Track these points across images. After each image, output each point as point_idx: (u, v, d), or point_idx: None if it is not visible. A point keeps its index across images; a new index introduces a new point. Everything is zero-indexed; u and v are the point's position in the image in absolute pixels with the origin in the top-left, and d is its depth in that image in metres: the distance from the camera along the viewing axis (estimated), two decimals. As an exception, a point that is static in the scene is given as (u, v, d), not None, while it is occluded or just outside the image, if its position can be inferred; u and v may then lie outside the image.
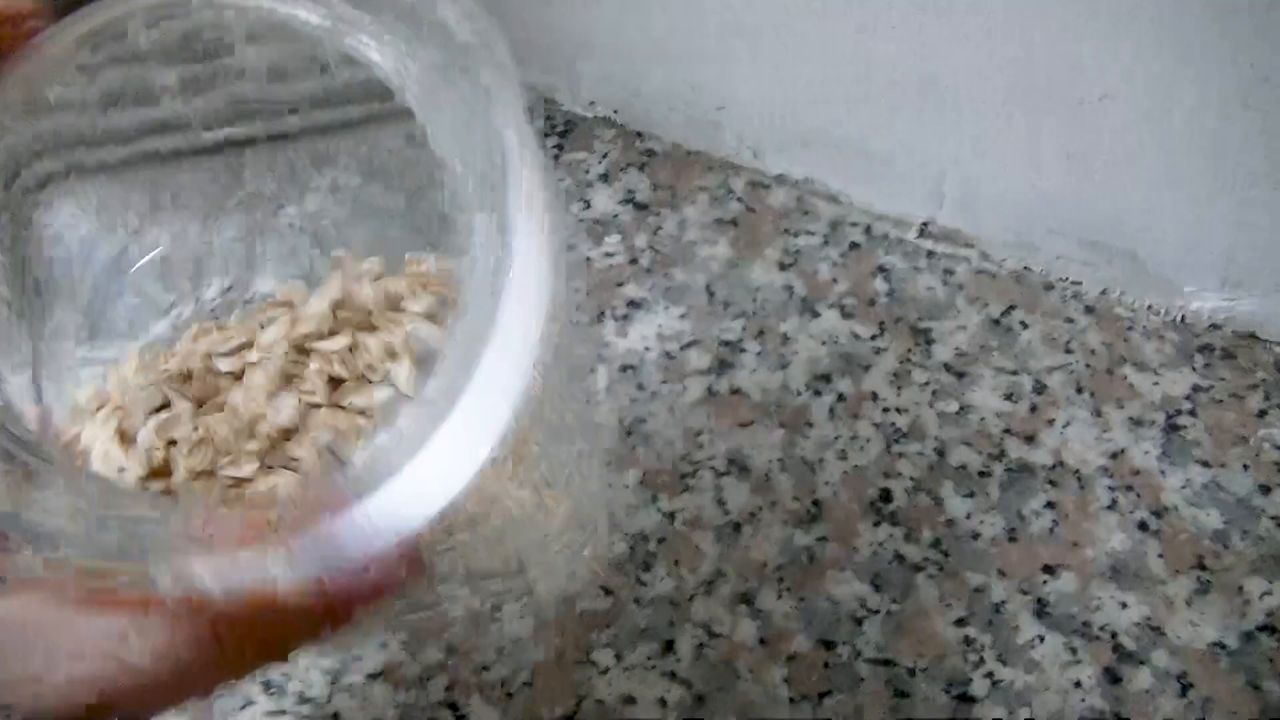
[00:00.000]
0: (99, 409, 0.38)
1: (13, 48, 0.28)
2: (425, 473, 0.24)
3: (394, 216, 0.42)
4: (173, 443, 0.37)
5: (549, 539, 0.36)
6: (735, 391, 0.55)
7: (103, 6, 0.28)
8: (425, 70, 0.26)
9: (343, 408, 0.38)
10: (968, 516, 0.51)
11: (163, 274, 0.41)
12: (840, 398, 0.55)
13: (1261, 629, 0.47)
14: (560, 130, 0.67)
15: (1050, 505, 0.51)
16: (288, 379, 0.38)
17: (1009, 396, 0.55)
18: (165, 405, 0.38)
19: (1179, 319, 0.57)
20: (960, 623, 0.48)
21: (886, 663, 0.47)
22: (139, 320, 0.42)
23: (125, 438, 0.37)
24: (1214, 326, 0.57)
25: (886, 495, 0.52)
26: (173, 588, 0.23)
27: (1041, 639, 0.47)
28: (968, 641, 0.47)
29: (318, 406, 0.38)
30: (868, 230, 0.61)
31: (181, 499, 0.34)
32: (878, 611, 0.48)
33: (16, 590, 0.23)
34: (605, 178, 0.64)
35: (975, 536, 0.50)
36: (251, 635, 0.24)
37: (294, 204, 0.42)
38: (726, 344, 0.57)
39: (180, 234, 0.42)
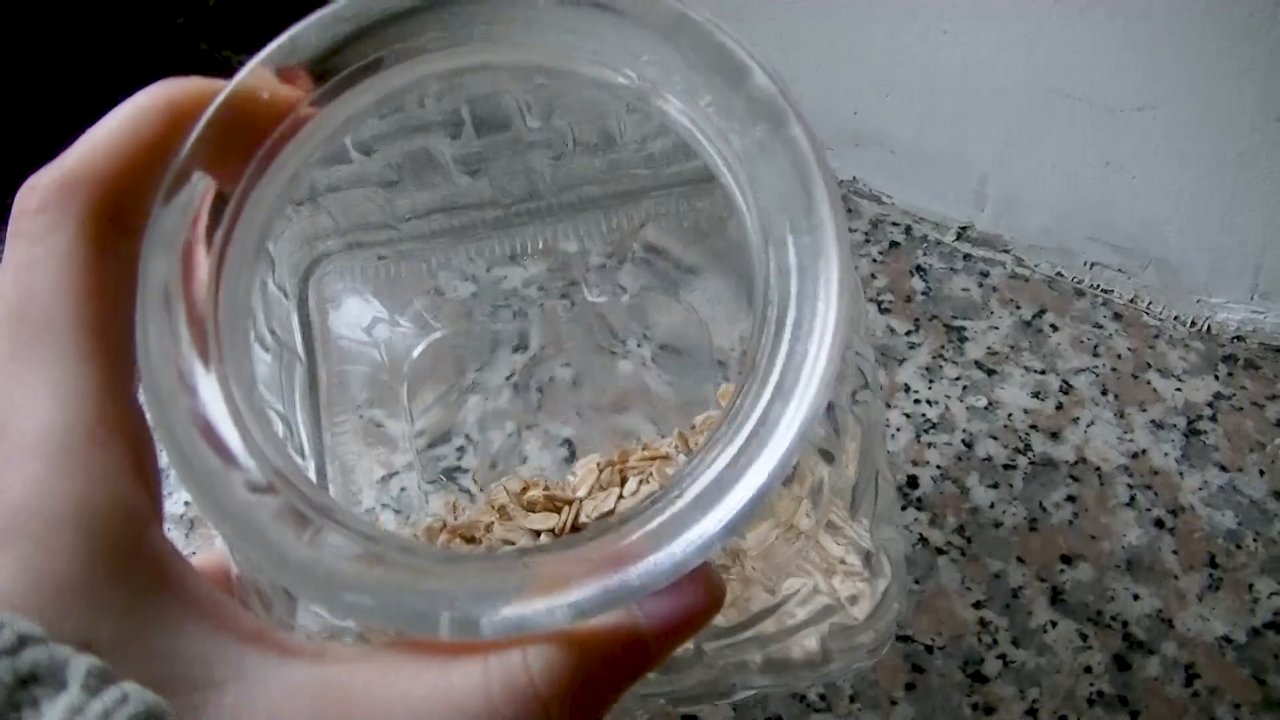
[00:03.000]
0: None
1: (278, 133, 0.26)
2: (716, 501, 0.24)
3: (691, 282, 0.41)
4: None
5: (856, 629, 0.35)
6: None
7: (391, 75, 0.26)
8: (747, 146, 0.25)
9: None
10: (991, 506, 0.53)
11: (438, 363, 0.41)
12: (873, 387, 0.57)
13: (1269, 626, 0.49)
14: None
15: (1071, 499, 0.53)
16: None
17: (1036, 395, 0.57)
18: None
19: (1205, 329, 0.59)
20: (978, 605, 0.50)
21: (906, 639, 0.49)
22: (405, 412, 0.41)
23: None
24: (1239, 338, 0.58)
25: (914, 482, 0.54)
26: (459, 633, 0.22)
27: (1055, 624, 0.49)
28: (984, 623, 0.49)
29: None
30: (908, 231, 0.64)
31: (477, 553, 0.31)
32: (899, 590, 0.50)
33: (336, 657, 0.24)
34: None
35: (997, 525, 0.52)
36: (573, 682, 0.24)
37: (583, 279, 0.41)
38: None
39: (461, 318, 0.41)
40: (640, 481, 0.36)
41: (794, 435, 0.23)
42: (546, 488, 0.37)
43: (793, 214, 0.24)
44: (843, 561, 0.34)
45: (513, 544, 0.34)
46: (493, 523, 0.35)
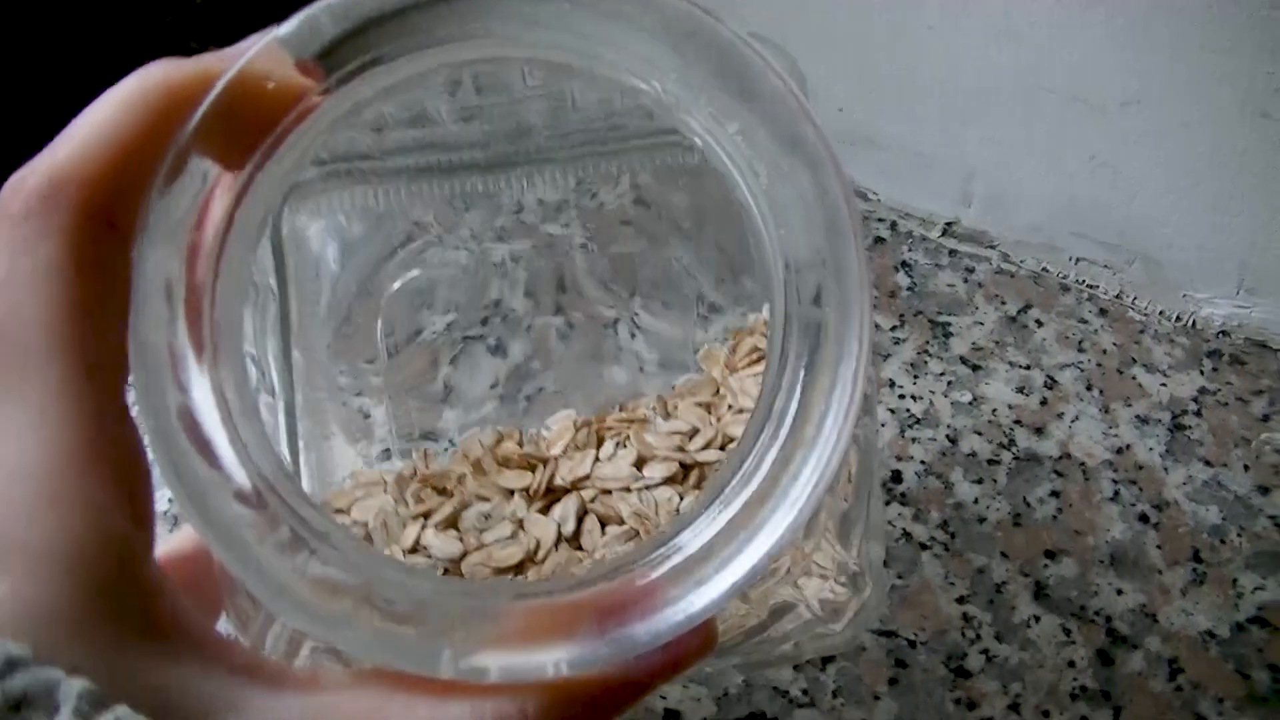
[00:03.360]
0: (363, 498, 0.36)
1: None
2: (727, 556, 0.23)
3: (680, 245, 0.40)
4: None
5: (834, 635, 0.35)
6: (757, 371, 0.57)
7: (402, 65, 0.24)
8: (774, 184, 0.24)
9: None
10: (975, 501, 0.53)
11: (419, 300, 0.40)
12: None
13: (1252, 621, 0.49)
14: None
15: (1055, 494, 0.53)
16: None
17: (1021, 390, 0.56)
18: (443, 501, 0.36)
19: (1191, 324, 0.59)
20: (961, 600, 0.50)
21: (889, 634, 0.49)
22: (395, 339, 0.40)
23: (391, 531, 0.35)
24: (1224, 333, 0.58)
25: (898, 477, 0.54)
26: (457, 673, 0.22)
27: (1038, 619, 0.49)
28: (967, 618, 0.49)
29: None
30: (894, 227, 0.64)
31: (471, 584, 0.31)
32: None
33: (345, 685, 0.24)
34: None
35: (981, 520, 0.52)
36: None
37: (569, 226, 0.40)
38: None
39: (445, 256, 0.40)
40: (617, 445, 0.35)
41: (815, 490, 0.23)
42: (520, 441, 0.36)
43: (818, 259, 0.24)
44: (828, 579, 0.34)
45: (487, 500, 0.34)
46: (465, 475, 0.35)
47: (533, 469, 0.35)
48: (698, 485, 0.35)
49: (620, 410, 0.36)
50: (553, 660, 0.22)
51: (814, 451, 0.23)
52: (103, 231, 0.23)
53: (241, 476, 0.22)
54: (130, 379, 0.23)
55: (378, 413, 0.39)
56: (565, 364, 0.41)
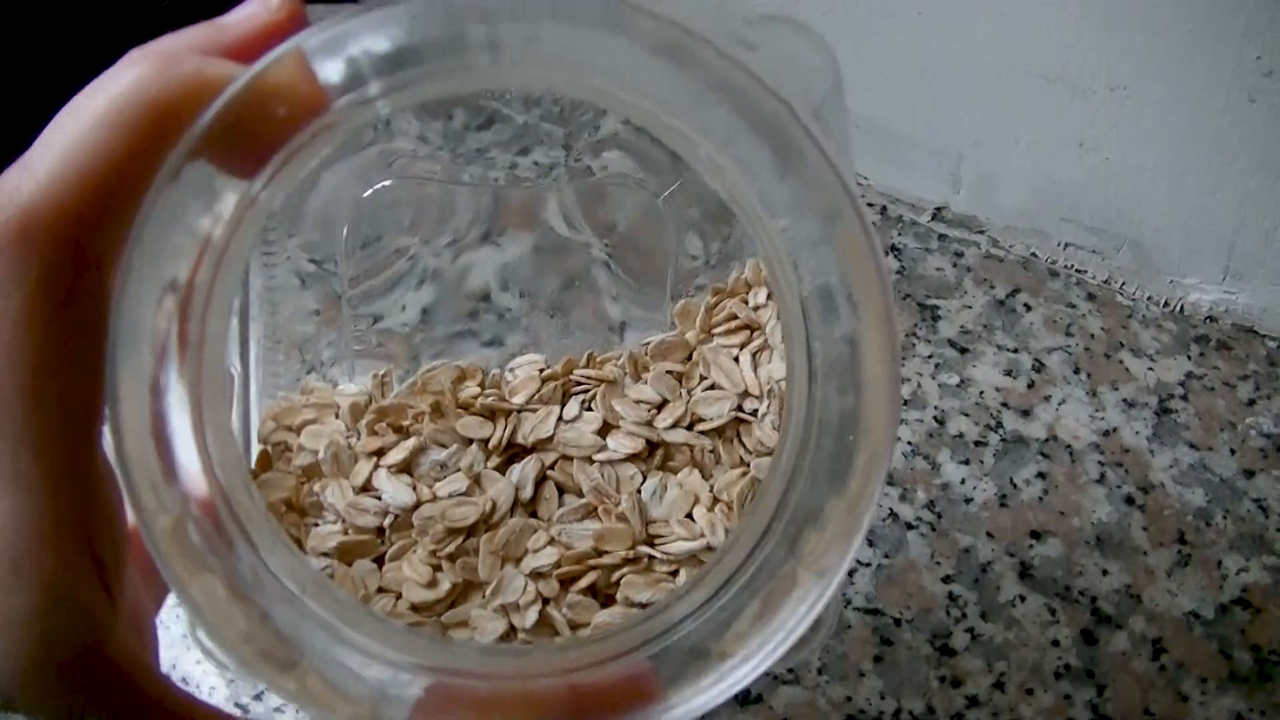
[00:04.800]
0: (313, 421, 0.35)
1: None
2: (734, 664, 0.23)
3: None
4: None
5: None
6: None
7: (433, 86, 0.23)
8: (796, 235, 0.23)
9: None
10: (962, 482, 0.53)
11: (387, 213, 0.38)
12: (846, 364, 0.57)
13: (1236, 602, 0.49)
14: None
15: (1041, 476, 0.53)
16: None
17: (1008, 373, 0.57)
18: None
19: (1178, 309, 0.59)
20: (947, 580, 0.50)
21: (874, 612, 0.49)
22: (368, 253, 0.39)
23: (340, 463, 0.34)
24: (1212, 318, 0.59)
25: (884, 458, 0.54)
26: None
27: (1023, 599, 0.49)
28: (952, 597, 0.49)
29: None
30: (883, 211, 0.64)
31: (441, 646, 0.29)
32: (869, 564, 0.50)
33: None
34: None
35: (967, 500, 0.52)
36: None
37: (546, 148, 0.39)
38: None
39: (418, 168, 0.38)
40: (582, 405, 0.35)
41: (814, 613, 0.23)
42: (483, 384, 0.36)
43: (842, 311, 0.23)
44: None
45: (444, 446, 0.34)
46: (423, 414, 0.34)
47: (493, 419, 0.35)
48: (661, 465, 0.34)
49: (588, 364, 0.36)
50: None
51: (825, 574, 0.23)
52: (77, 266, 0.21)
53: (204, 496, 0.22)
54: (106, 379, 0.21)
55: (329, 314, 0.39)
56: (535, 300, 0.41)
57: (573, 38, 0.23)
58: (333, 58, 0.22)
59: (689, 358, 0.36)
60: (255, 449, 0.35)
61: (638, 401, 0.35)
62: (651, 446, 0.35)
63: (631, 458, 0.34)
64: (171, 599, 0.25)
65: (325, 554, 0.32)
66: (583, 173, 0.40)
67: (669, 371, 0.35)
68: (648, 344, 0.36)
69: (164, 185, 0.21)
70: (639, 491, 0.33)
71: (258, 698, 0.46)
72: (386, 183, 0.37)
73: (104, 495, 0.23)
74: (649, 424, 0.34)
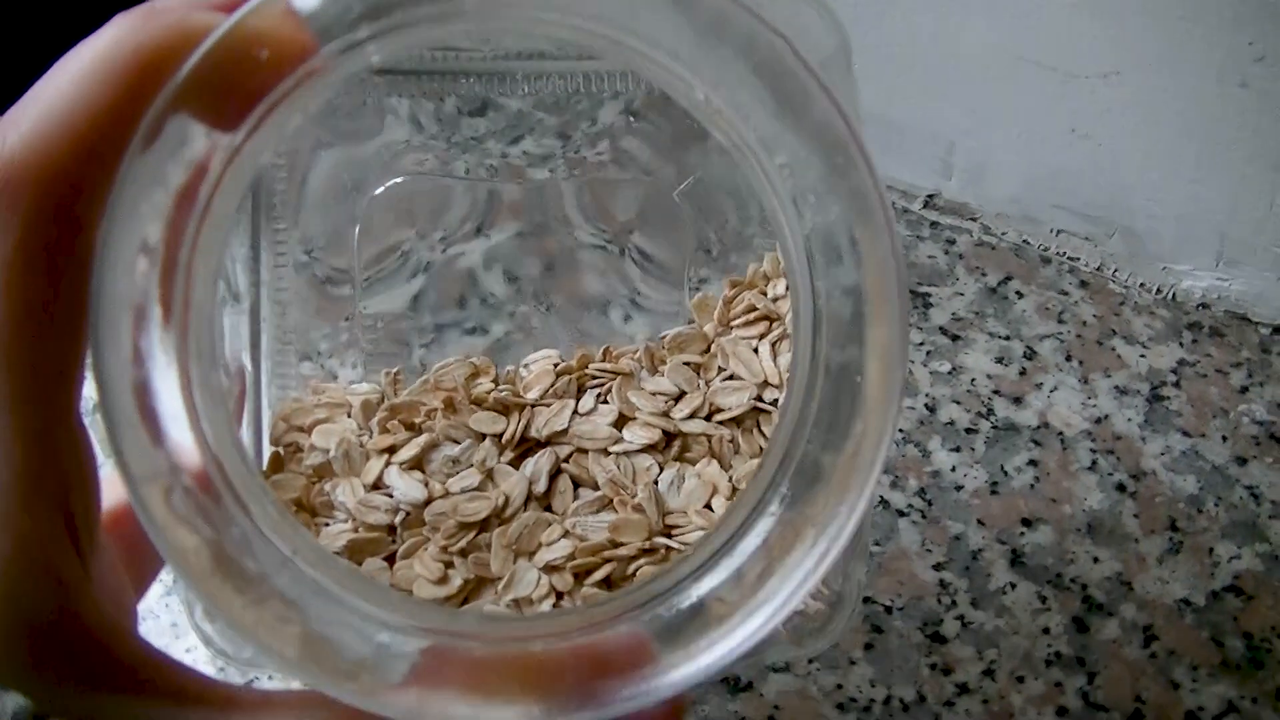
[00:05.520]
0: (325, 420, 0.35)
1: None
2: (735, 625, 0.23)
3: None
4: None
5: (798, 650, 0.35)
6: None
7: (422, 32, 0.22)
8: (817, 228, 0.23)
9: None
10: (953, 469, 0.53)
11: (400, 208, 0.38)
12: (837, 352, 0.56)
13: (1228, 589, 0.49)
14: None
15: (1033, 463, 0.53)
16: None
17: (1000, 360, 0.56)
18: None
19: (1171, 296, 0.59)
20: (938, 567, 0.50)
21: (865, 599, 0.49)
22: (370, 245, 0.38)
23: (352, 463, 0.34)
24: (1204, 305, 0.58)
25: (875, 445, 0.54)
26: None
27: (1014, 586, 0.49)
28: (943, 585, 0.49)
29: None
30: (875, 198, 0.63)
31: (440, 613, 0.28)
32: (859, 552, 0.50)
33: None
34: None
35: (958, 488, 0.52)
36: None
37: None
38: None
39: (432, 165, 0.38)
40: (598, 398, 0.35)
41: (823, 568, 0.22)
42: (496, 379, 0.35)
43: (858, 308, 0.23)
44: (810, 600, 0.34)
45: (456, 442, 0.33)
46: (436, 410, 0.34)
47: (507, 413, 0.34)
48: (679, 456, 0.34)
49: (604, 357, 0.36)
50: (526, 714, 0.21)
51: (828, 529, 0.22)
52: (62, 226, 0.21)
53: (194, 461, 0.21)
54: (89, 343, 0.21)
55: (342, 311, 0.39)
56: (551, 298, 0.40)
57: None
58: (319, 1, 0.21)
59: (706, 350, 0.36)
60: (267, 451, 0.35)
61: (654, 393, 0.34)
62: (669, 438, 0.34)
63: (648, 449, 0.34)
64: (159, 590, 0.24)
65: (336, 553, 0.32)
66: (581, 164, 0.39)
67: (686, 363, 0.35)
68: (664, 337, 0.36)
69: (144, 140, 0.21)
70: (655, 482, 0.33)
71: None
72: (398, 180, 0.37)
73: (79, 459, 0.22)
74: (666, 415, 0.34)
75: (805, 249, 0.23)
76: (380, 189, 0.37)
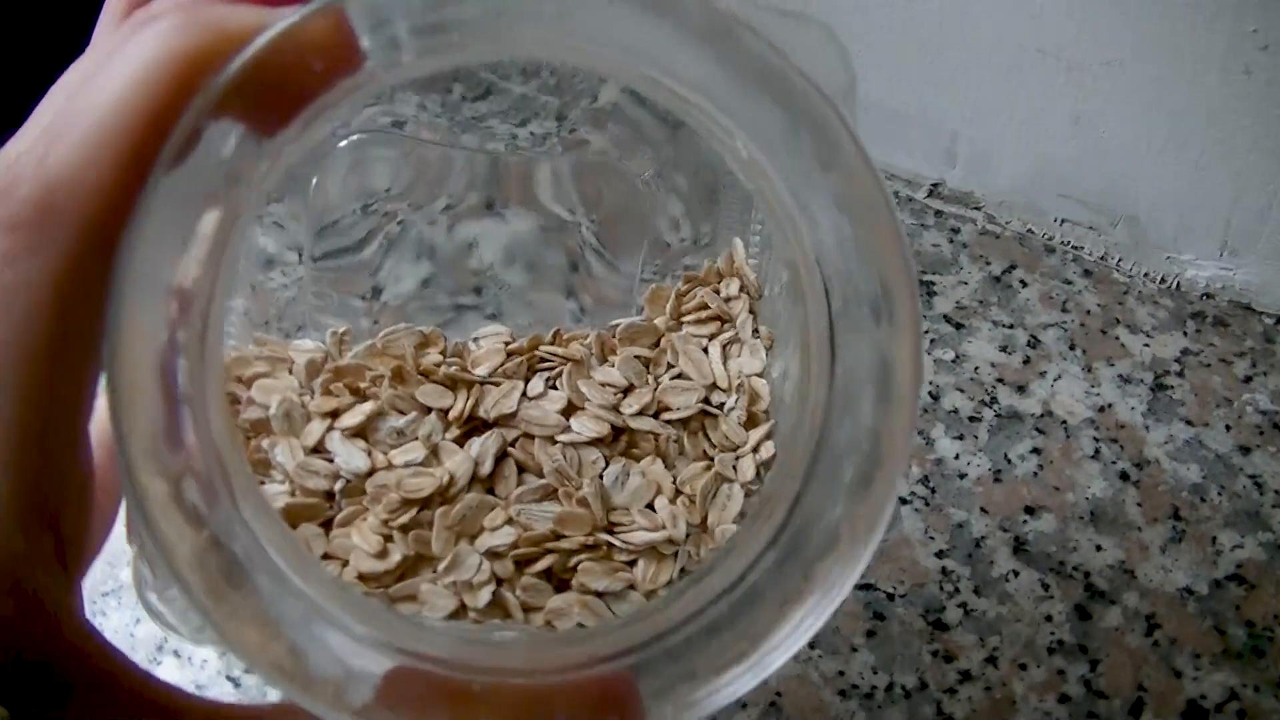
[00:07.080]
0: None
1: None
2: (722, 684, 0.22)
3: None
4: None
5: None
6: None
7: (476, 50, 0.22)
8: (826, 237, 0.23)
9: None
10: (956, 457, 0.53)
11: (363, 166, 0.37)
12: (840, 340, 0.57)
13: (1230, 578, 0.49)
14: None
15: (1036, 451, 0.53)
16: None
17: (1004, 349, 0.56)
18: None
19: (1175, 286, 0.59)
20: (941, 555, 0.50)
21: (867, 586, 0.49)
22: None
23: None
24: (1208, 295, 0.58)
25: (878, 434, 0.54)
26: None
27: (1017, 574, 0.49)
28: (946, 572, 0.49)
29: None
30: (879, 187, 0.63)
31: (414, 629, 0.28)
32: (862, 540, 0.50)
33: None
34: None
35: (962, 476, 0.52)
36: None
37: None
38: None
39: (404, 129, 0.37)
40: (547, 383, 0.34)
41: (813, 628, 0.22)
42: (445, 351, 0.35)
43: (870, 316, 0.23)
44: None
45: (403, 413, 0.33)
46: (383, 378, 0.33)
47: (454, 389, 0.34)
48: (625, 452, 0.34)
49: (554, 340, 0.35)
50: None
51: (827, 595, 0.23)
52: (97, 255, 0.20)
53: (199, 460, 0.21)
54: (103, 342, 0.20)
55: (291, 258, 0.38)
56: (505, 273, 0.40)
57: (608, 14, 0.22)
58: (371, 15, 0.21)
59: (657, 344, 0.36)
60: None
61: (604, 384, 0.34)
62: (616, 432, 0.34)
63: (595, 441, 0.33)
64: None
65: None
66: (576, 144, 0.39)
67: (637, 356, 0.35)
68: (616, 325, 0.36)
69: (178, 149, 0.20)
70: (601, 477, 0.33)
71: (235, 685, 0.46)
72: (359, 136, 0.36)
73: (79, 482, 0.22)
74: (615, 409, 0.34)
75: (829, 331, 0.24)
76: (343, 142, 0.36)
